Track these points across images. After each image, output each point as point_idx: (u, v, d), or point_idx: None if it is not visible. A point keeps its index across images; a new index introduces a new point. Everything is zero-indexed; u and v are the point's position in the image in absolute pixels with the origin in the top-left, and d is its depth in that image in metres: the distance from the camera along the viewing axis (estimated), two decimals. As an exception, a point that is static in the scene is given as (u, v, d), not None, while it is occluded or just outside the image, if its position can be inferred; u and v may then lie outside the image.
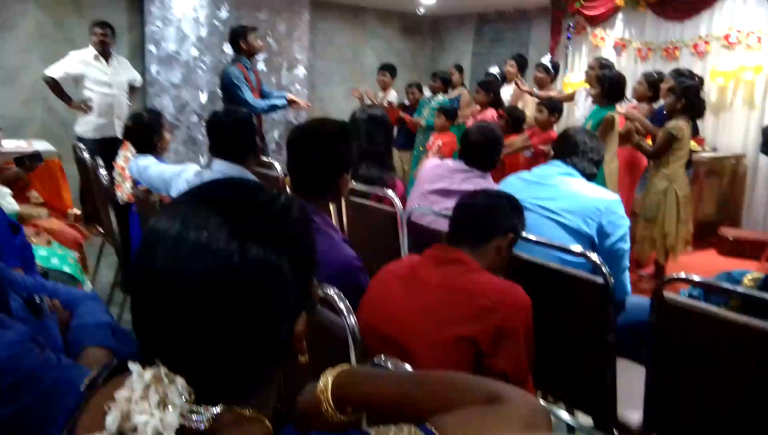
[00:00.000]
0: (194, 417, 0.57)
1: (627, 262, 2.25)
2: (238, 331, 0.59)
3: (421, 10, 7.45)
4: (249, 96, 4.40)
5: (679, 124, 3.69)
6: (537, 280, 1.87)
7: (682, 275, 1.58)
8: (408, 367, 1.01)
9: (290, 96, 4.70)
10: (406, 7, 7.72)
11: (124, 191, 2.78)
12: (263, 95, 4.66)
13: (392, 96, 6.07)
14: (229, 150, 2.22)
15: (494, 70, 5.98)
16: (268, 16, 6.90)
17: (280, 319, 0.62)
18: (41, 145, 4.64)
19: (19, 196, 3.27)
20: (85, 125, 4.80)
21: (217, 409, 0.58)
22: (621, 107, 4.39)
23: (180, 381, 0.57)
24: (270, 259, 0.60)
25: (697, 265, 4.57)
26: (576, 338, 1.85)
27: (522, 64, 5.51)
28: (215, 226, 0.59)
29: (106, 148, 4.72)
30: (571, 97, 5.11)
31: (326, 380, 0.79)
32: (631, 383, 1.85)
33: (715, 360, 1.50)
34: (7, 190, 2.81)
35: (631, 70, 6.09)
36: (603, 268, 1.71)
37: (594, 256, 1.76)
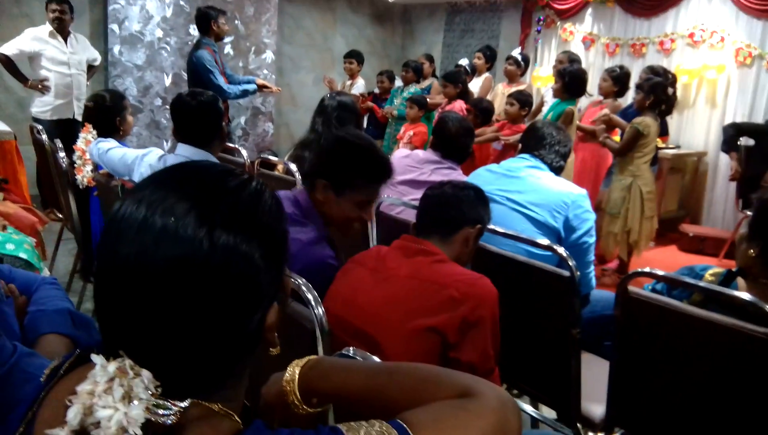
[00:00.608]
0: (161, 411, 0.54)
1: (592, 257, 2.29)
2: (207, 322, 0.56)
3: (392, -3, 7.40)
4: (221, 81, 4.38)
5: (645, 121, 3.75)
6: (504, 272, 1.88)
7: (647, 270, 1.60)
8: (376, 359, 1.00)
9: (260, 81, 4.67)
10: (377, -6, 7.66)
11: (84, 175, 2.68)
12: (229, 80, 4.60)
13: (359, 85, 6.01)
14: (194, 134, 2.16)
15: (464, 62, 5.98)
16: (236, -2, 6.75)
17: (251, 310, 0.60)
18: (-4, 125, 4.47)
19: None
20: (42, 106, 4.64)
21: (184, 404, 0.56)
22: (589, 104, 4.47)
23: (146, 374, 0.55)
24: (240, 247, 0.57)
25: (659, 261, 4.68)
26: (541, 331, 1.87)
27: (490, 56, 5.52)
28: (183, 211, 0.56)
29: (64, 129, 4.58)
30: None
31: (293, 371, 0.77)
32: (594, 377, 1.88)
33: (678, 354, 1.53)
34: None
35: (599, 64, 6.17)
36: (569, 262, 1.72)
37: (561, 250, 1.77)
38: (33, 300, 1.15)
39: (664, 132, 4.90)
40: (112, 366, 0.55)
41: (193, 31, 6.52)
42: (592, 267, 2.30)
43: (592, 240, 2.25)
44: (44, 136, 3.26)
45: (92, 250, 2.82)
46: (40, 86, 4.56)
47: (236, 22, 6.80)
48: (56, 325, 1.10)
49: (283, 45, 7.52)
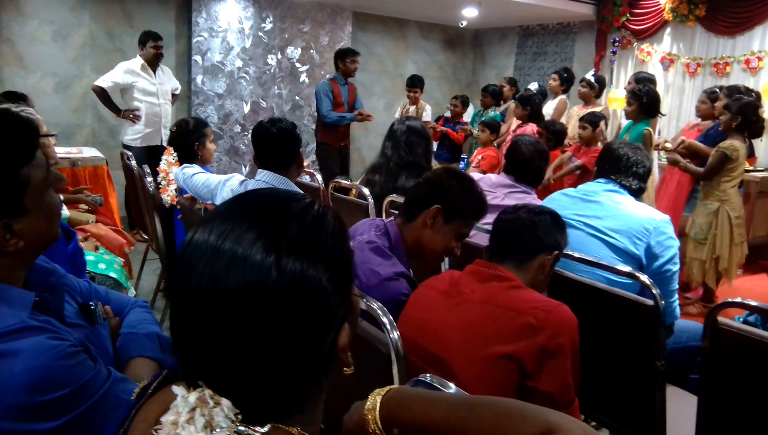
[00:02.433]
0: None
1: (676, 285, 2.18)
2: (280, 347, 0.57)
3: (464, 23, 7.43)
4: (324, 108, 5.27)
5: (733, 144, 3.57)
6: (582, 299, 1.82)
7: (738, 300, 1.51)
8: (453, 386, 0.99)
9: (358, 111, 5.45)
10: (448, 19, 7.72)
11: (168, 194, 2.83)
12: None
13: (427, 112, 6.03)
14: (273, 160, 2.24)
15: (533, 86, 5.92)
16: (311, 28, 6.99)
17: (323, 332, 0.61)
18: (90, 152, 4.79)
19: (69, 203, 3.37)
20: (134, 134, 4.93)
21: (265, 429, 0.57)
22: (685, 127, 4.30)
23: (225, 403, 0.56)
24: (307, 272, 0.58)
25: (748, 290, 4.40)
26: (623, 362, 1.79)
27: (567, 78, 5.40)
28: (251, 240, 0.57)
29: (152, 155, 4.85)
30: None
31: (374, 401, 0.77)
32: (680, 412, 1.78)
33: (774, 390, 1.43)
34: (59, 196, 2.89)
35: (679, 85, 5.96)
36: (653, 290, 1.65)
37: (644, 278, 1.71)
38: (125, 323, 1.21)
39: (751, 153, 4.65)
40: (193, 396, 0.57)
41: (271, 60, 6.80)
42: (676, 296, 2.19)
43: (676, 268, 2.14)
44: (133, 162, 3.47)
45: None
46: (131, 116, 4.85)
47: (311, 51, 7.03)
48: (146, 349, 1.14)
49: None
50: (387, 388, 0.79)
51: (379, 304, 1.27)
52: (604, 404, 1.87)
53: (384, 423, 0.76)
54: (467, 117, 6.02)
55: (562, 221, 1.62)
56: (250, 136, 6.73)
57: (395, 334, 1.22)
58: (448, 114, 6.07)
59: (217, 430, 0.55)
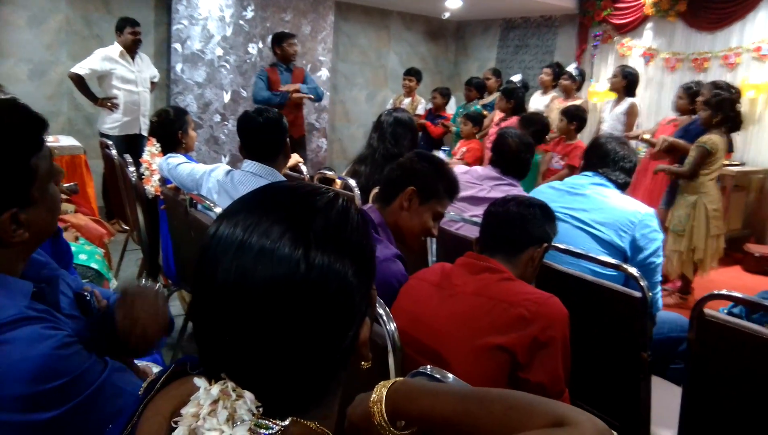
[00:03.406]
0: (263, 432, 0.56)
1: (659, 277, 2.22)
2: (305, 340, 0.57)
3: (446, 15, 7.42)
4: (254, 90, 5.08)
5: (713, 139, 3.63)
6: (570, 291, 1.84)
7: (724, 292, 1.54)
8: (451, 376, 0.99)
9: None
10: (431, 11, 7.70)
11: (152, 185, 2.79)
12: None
13: (422, 104, 6.03)
14: (259, 150, 2.21)
15: (517, 78, 5.94)
16: (293, 17, 6.91)
17: (347, 326, 0.61)
18: (67, 141, 4.69)
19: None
20: (112, 122, 4.84)
21: (285, 423, 0.57)
22: (662, 121, 4.37)
23: (248, 395, 0.56)
24: (334, 265, 0.58)
25: (724, 281, 4.49)
26: (609, 353, 1.81)
27: (559, 73, 5.42)
28: (278, 233, 0.57)
29: (130, 144, 4.77)
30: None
31: (380, 392, 0.77)
32: (662, 401, 1.81)
33: (757, 380, 1.46)
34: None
35: (659, 79, 6.03)
36: (641, 282, 1.67)
37: (632, 269, 1.73)
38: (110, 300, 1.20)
39: (730, 148, 4.73)
40: (216, 389, 0.56)
41: (252, 49, 6.72)
42: (659, 288, 2.23)
43: (659, 260, 2.18)
44: (114, 151, 3.41)
45: (158, 260, 2.91)
46: (109, 104, 4.76)
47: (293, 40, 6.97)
48: None
49: (338, 62, 7.64)
50: (392, 380, 0.79)
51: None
52: (590, 395, 1.89)
53: (390, 415, 0.75)
54: (450, 110, 6.01)
55: (552, 213, 1.63)
56: (230, 125, 6.69)
57: (392, 326, 1.22)
58: (429, 106, 6.07)
59: (239, 422, 0.54)
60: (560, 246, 1.92)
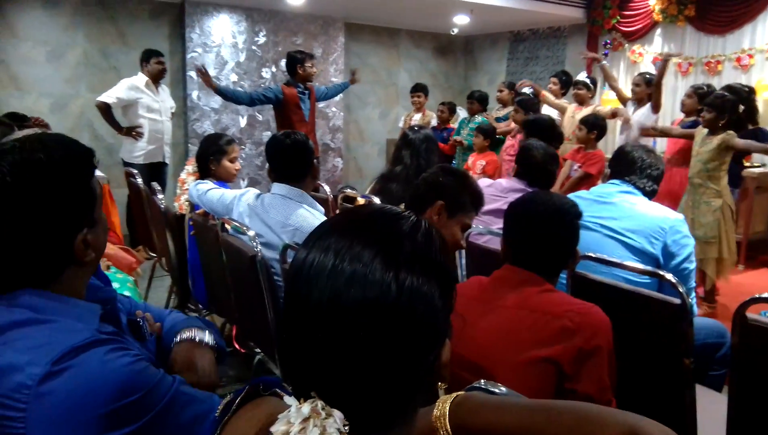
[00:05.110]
0: None
1: (693, 283, 2.21)
2: (393, 361, 0.59)
3: (455, 31, 7.49)
4: (242, 91, 5.03)
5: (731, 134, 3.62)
6: (607, 301, 1.83)
7: (766, 295, 1.53)
8: (504, 388, 0.99)
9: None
10: (439, 27, 7.77)
11: (180, 203, 2.85)
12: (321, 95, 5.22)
13: (433, 118, 6.10)
14: (287, 172, 2.24)
15: (527, 89, 5.96)
16: (304, 40, 7.01)
17: (431, 347, 0.62)
18: (91, 171, 4.76)
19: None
20: (136, 151, 4.91)
21: None
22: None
23: (338, 414, 0.57)
24: (423, 288, 0.60)
25: (751, 284, 4.44)
26: (651, 362, 1.80)
27: (566, 81, 5.43)
28: (370, 257, 0.59)
29: (153, 172, 4.84)
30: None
31: (443, 407, 0.77)
32: (705, 408, 1.79)
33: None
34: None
35: (672, 85, 6.02)
36: (679, 288, 1.66)
37: (669, 276, 1.72)
38: (164, 326, 1.23)
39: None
40: (306, 407, 0.58)
41: (265, 73, 6.82)
42: (694, 294, 2.22)
43: (692, 266, 2.17)
44: (139, 180, 3.46)
45: (188, 286, 2.94)
46: (134, 133, 4.84)
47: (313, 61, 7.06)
48: (192, 324, 1.20)
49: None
50: (454, 395, 0.79)
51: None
52: (634, 404, 1.87)
53: (454, 430, 0.76)
54: (454, 123, 6.06)
55: (577, 221, 1.63)
56: (247, 149, 6.75)
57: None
58: (434, 122, 6.13)
59: None
60: (594, 255, 1.92)
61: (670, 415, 1.76)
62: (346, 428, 0.58)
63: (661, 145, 5.37)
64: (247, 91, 5.21)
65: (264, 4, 6.52)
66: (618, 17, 6.40)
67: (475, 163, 4.95)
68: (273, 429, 0.58)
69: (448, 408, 0.77)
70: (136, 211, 3.96)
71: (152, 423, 0.85)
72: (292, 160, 2.24)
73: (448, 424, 0.76)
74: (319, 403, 0.58)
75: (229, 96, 4.78)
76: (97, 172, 3.48)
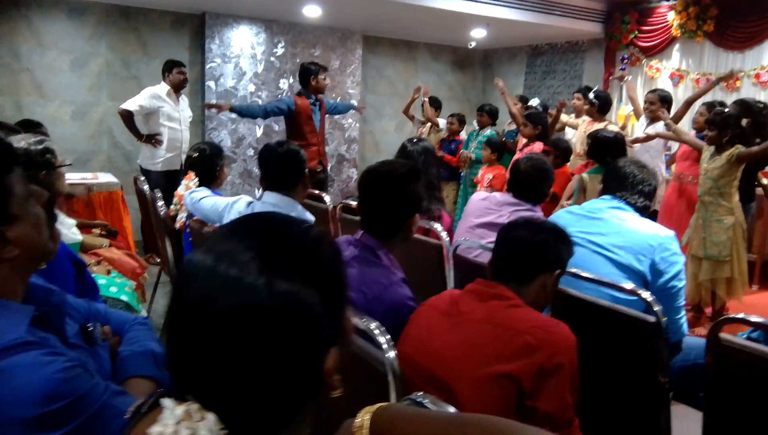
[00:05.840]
0: None
1: (682, 301, 2.17)
2: (267, 366, 0.59)
3: (472, 44, 7.50)
4: (257, 104, 5.13)
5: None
6: (586, 317, 1.83)
7: (740, 316, 1.51)
8: (447, 406, 1.00)
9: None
10: (457, 41, 7.80)
11: (179, 219, 2.89)
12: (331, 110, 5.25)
13: (442, 125, 6.16)
14: (279, 181, 2.28)
15: (535, 102, 5.93)
16: (321, 52, 7.10)
17: (311, 354, 0.62)
18: (105, 178, 4.87)
19: (84, 228, 3.45)
20: (154, 158, 5.01)
21: None
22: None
23: (211, 417, 0.58)
24: (299, 294, 0.60)
25: (765, 306, 4.33)
26: (627, 380, 1.78)
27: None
28: (246, 260, 0.59)
29: (170, 180, 4.93)
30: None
31: (363, 419, 0.78)
32: (688, 430, 1.76)
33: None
34: (72, 221, 2.95)
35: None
36: (654, 307, 1.65)
37: (645, 294, 1.70)
38: (124, 340, 1.24)
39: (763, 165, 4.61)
40: (180, 409, 0.58)
41: (283, 84, 6.92)
42: (683, 312, 2.18)
43: (681, 284, 2.13)
44: (146, 186, 3.54)
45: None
46: (153, 141, 4.95)
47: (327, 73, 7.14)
48: (141, 367, 1.17)
49: (367, 94, 7.78)
50: (376, 406, 0.80)
51: (376, 323, 1.28)
52: (609, 423, 1.86)
53: None
54: (463, 135, 6.08)
55: (567, 237, 1.62)
56: (262, 159, 6.85)
57: (392, 354, 1.24)
58: (444, 133, 6.18)
59: None
60: (575, 272, 1.91)
61: (646, 433, 1.74)
62: (223, 432, 0.58)
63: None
64: (261, 104, 5.29)
65: (283, 17, 6.63)
66: (636, 32, 6.35)
67: (483, 176, 4.94)
68: (149, 430, 0.58)
69: (368, 419, 0.78)
70: (145, 218, 4.04)
71: (77, 431, 0.85)
72: (283, 169, 2.28)
73: (366, 434, 0.77)
74: (194, 406, 0.58)
75: (244, 113, 4.87)
76: (111, 179, 3.56)
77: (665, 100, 4.53)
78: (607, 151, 3.68)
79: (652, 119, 4.54)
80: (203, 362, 0.59)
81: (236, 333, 0.58)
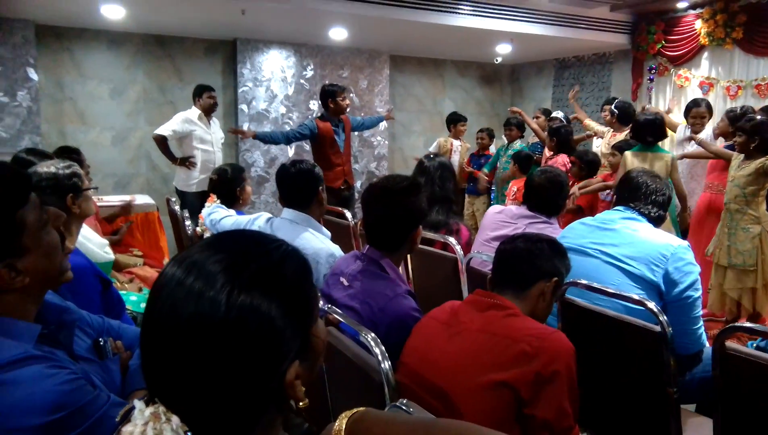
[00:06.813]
0: None
1: (699, 311, 2.14)
2: (226, 375, 0.62)
3: (498, 60, 7.53)
4: (281, 131, 5.18)
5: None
6: (594, 327, 1.83)
7: (746, 325, 1.50)
8: (428, 414, 1.03)
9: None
10: (484, 57, 7.84)
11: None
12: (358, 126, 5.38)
13: (471, 147, 6.19)
14: (294, 199, 2.36)
15: (558, 114, 5.91)
16: (350, 73, 7.24)
17: (272, 365, 0.64)
18: (142, 199, 5.07)
19: (121, 248, 3.61)
20: (189, 180, 5.17)
21: None
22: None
23: (175, 420, 0.62)
24: (260, 307, 0.62)
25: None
26: (636, 390, 1.78)
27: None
28: (212, 274, 0.63)
29: (205, 200, 5.08)
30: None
31: (341, 423, 0.82)
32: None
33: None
34: (105, 241, 3.09)
35: (720, 108, 5.81)
36: (660, 317, 1.65)
37: (651, 304, 1.70)
38: (135, 354, 1.30)
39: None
40: (148, 411, 0.63)
41: (313, 105, 7.07)
42: (701, 323, 2.15)
43: (697, 294, 2.11)
44: (177, 207, 3.68)
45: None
46: (187, 163, 5.12)
47: (351, 95, 7.27)
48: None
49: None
50: (354, 410, 0.84)
51: (372, 335, 1.33)
52: (617, 433, 1.85)
53: None
54: (492, 149, 6.09)
55: (562, 248, 1.65)
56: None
57: (386, 364, 1.28)
58: (474, 149, 6.19)
59: None
60: (585, 282, 1.92)
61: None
62: (188, 434, 0.62)
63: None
64: (285, 130, 5.42)
65: (311, 40, 6.80)
66: (663, 42, 6.28)
67: (511, 189, 4.95)
68: (122, 428, 0.63)
69: (345, 423, 0.82)
70: (177, 237, 4.18)
71: None
72: (297, 188, 2.35)
73: None
74: (161, 408, 0.63)
75: (267, 140, 5.04)
76: (148, 200, 3.73)
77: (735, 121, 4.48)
78: (647, 130, 4.07)
79: (696, 132, 4.51)
80: (166, 368, 0.63)
81: (195, 342, 0.61)
